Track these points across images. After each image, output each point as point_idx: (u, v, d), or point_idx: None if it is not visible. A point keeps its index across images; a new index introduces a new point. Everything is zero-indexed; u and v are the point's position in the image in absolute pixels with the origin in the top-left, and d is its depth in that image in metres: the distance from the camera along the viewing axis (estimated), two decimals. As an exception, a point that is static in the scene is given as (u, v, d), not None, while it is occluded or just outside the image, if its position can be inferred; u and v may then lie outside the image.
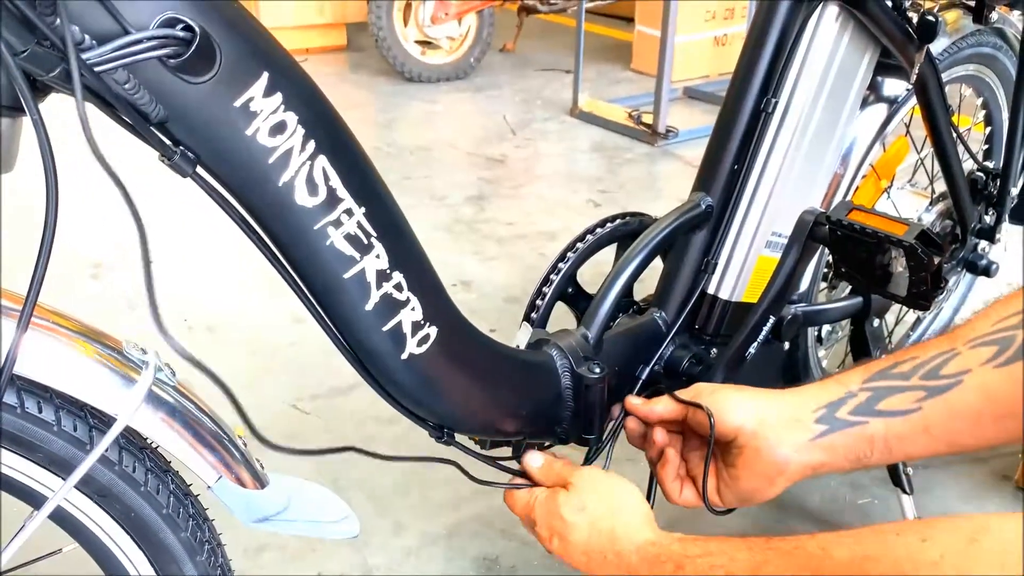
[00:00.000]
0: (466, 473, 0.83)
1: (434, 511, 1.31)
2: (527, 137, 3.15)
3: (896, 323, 1.52)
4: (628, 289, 1.04)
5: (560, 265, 1.06)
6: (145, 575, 0.66)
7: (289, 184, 0.64)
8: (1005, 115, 1.46)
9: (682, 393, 0.85)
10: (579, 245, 1.07)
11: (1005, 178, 1.27)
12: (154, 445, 0.65)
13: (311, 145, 0.63)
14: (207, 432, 0.63)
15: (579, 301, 1.09)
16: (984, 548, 0.48)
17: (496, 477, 0.87)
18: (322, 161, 0.64)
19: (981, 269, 1.30)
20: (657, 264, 1.06)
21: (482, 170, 2.80)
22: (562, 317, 1.06)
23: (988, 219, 1.31)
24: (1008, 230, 1.35)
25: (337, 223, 0.67)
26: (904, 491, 1.21)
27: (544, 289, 1.05)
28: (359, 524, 0.72)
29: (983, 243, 1.32)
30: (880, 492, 1.35)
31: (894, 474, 1.21)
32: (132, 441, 0.64)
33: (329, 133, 0.65)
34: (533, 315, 1.05)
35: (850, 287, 1.31)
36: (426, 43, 3.89)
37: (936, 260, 0.87)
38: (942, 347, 0.72)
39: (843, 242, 0.92)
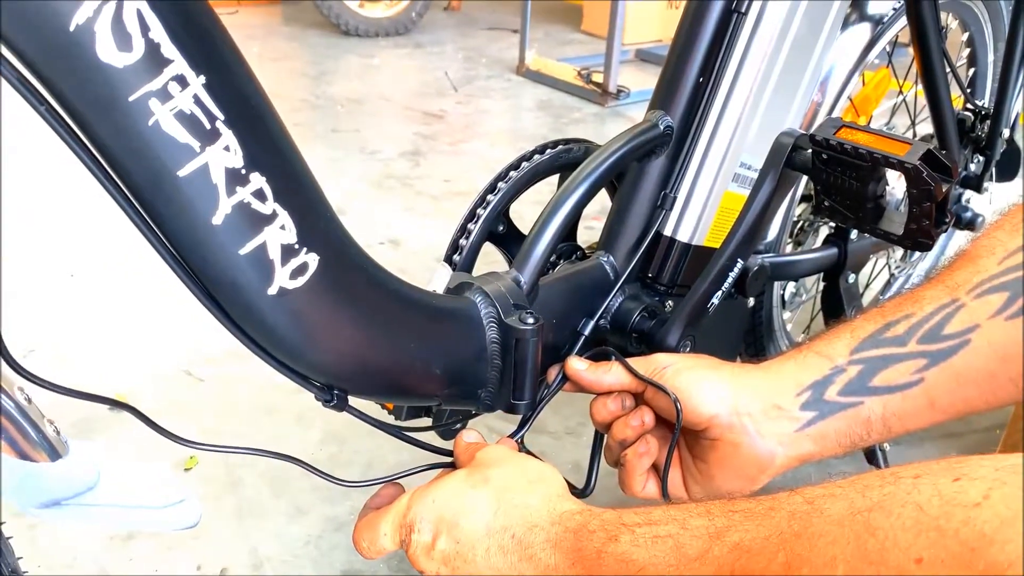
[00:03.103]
0: (314, 470, 0.65)
1: (341, 493, 1.12)
2: (469, 94, 2.95)
3: (865, 287, 1.38)
4: (570, 226, 0.86)
5: (489, 197, 0.88)
6: None
7: (87, 29, 0.45)
8: (991, 57, 1.32)
9: (638, 364, 0.71)
10: (512, 174, 0.89)
11: (997, 119, 1.12)
12: None
13: (115, -30, 0.44)
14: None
15: (511, 242, 0.91)
16: None
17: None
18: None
19: (965, 222, 1.15)
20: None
21: (419, 125, 2.60)
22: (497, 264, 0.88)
23: (974, 167, 1.17)
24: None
25: (164, 94, 0.48)
26: (879, 468, 1.07)
27: (469, 226, 0.87)
28: (199, 511, 0.53)
29: (968, 193, 1.18)
30: (848, 470, 1.20)
31: (868, 451, 1.07)
32: None
33: (146, -42, 0.46)
34: (456, 257, 0.87)
35: (822, 239, 1.16)
36: (364, -5, 3.66)
37: (944, 187, 0.71)
38: (941, 298, 0.62)
39: (829, 167, 0.76)
